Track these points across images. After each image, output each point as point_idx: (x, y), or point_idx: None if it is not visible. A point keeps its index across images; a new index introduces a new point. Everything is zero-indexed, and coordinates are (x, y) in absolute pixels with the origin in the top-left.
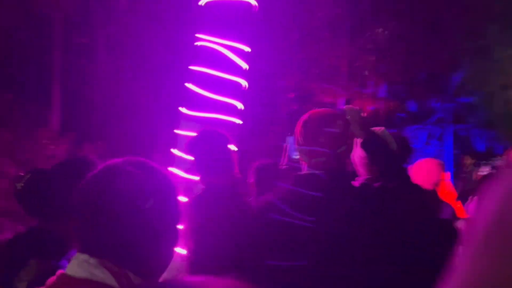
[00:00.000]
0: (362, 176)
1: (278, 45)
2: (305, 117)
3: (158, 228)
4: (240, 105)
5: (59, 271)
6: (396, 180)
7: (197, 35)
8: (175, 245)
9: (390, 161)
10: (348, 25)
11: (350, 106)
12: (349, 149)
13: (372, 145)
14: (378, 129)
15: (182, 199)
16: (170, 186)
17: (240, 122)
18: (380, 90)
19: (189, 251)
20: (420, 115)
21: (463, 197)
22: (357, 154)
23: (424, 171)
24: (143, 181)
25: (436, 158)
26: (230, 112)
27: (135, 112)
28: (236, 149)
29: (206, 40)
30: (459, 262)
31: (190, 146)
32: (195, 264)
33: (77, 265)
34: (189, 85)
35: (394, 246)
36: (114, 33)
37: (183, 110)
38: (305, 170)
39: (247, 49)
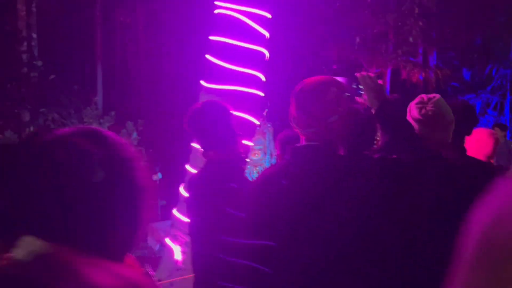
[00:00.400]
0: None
1: (319, 14)
2: (298, 86)
3: (114, 204)
4: (262, 77)
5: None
6: (408, 151)
7: (216, 2)
8: (139, 223)
9: (400, 131)
10: None
11: (363, 72)
12: (343, 119)
13: (383, 114)
14: (433, 96)
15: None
16: (127, 157)
17: (262, 94)
18: (430, 58)
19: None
20: (474, 84)
21: None
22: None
23: (474, 142)
24: (90, 152)
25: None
26: (252, 84)
27: (174, 89)
28: (257, 122)
29: (225, 8)
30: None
31: (188, 118)
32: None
33: (22, 248)
34: (208, 57)
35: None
36: (153, 10)
37: (203, 83)
38: (302, 142)
39: (268, 15)
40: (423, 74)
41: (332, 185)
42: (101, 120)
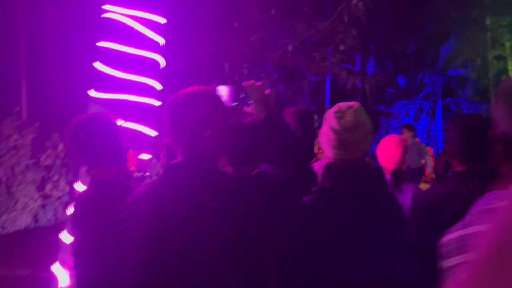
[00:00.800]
0: (327, 158)
1: (253, 22)
2: (171, 97)
3: None
4: (157, 85)
5: None
6: (289, 165)
7: (104, 6)
8: None
9: (285, 144)
10: None
11: (251, 82)
12: (222, 133)
13: (268, 125)
14: (352, 104)
15: None
16: None
17: (159, 103)
18: (368, 65)
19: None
20: (410, 90)
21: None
22: (322, 133)
23: (383, 150)
24: None
25: (426, 133)
26: (146, 92)
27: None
28: (154, 133)
29: (114, 12)
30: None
31: (68, 133)
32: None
33: None
34: (97, 64)
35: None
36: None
37: (92, 92)
38: (179, 158)
39: (162, 21)
40: (360, 81)
41: (204, 207)
42: (23, 132)
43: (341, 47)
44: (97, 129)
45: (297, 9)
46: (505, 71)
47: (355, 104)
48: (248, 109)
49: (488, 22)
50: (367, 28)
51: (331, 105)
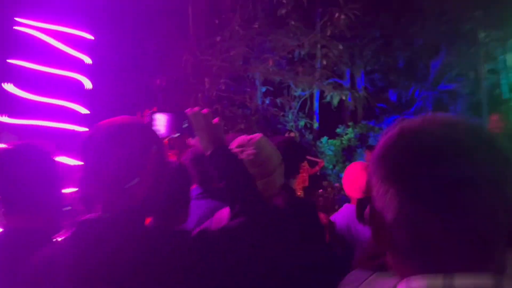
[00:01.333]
0: None
1: (237, 35)
2: (88, 132)
3: None
4: (82, 109)
5: None
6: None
7: (18, 18)
8: None
9: (234, 181)
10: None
11: (196, 109)
12: (150, 181)
13: (215, 160)
14: (253, 136)
15: None
16: None
17: (84, 129)
18: (358, 80)
19: None
20: (401, 105)
21: None
22: None
23: (347, 178)
24: None
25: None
26: (68, 118)
27: None
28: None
29: (30, 26)
30: None
31: None
32: None
33: None
34: (8, 87)
35: None
36: None
37: (3, 119)
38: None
39: (89, 37)
40: (350, 96)
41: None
42: None
43: (324, 62)
44: (22, 164)
45: (282, 22)
46: (498, 85)
47: (256, 136)
48: (192, 141)
49: (480, 35)
50: (354, 42)
51: (321, 121)
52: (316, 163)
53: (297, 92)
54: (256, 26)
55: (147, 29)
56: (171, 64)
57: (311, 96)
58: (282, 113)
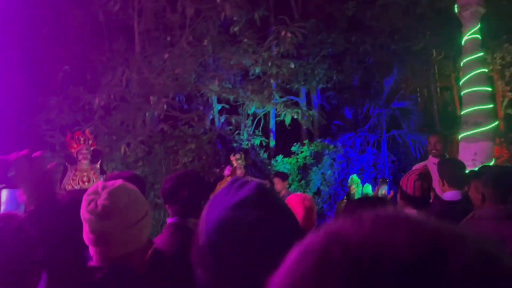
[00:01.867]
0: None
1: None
2: None
3: None
4: None
5: None
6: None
7: None
8: None
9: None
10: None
11: (22, 153)
12: None
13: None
14: (112, 184)
15: None
16: None
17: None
18: (313, 97)
19: None
20: (356, 122)
21: None
22: None
23: None
24: None
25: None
26: None
27: None
28: None
29: None
30: None
31: None
32: None
33: None
34: None
35: None
36: None
37: None
38: None
39: None
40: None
41: None
42: None
43: (275, 80)
44: None
45: (235, 40)
46: (452, 102)
47: (116, 182)
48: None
49: (432, 54)
50: (307, 60)
51: (277, 139)
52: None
53: (251, 110)
54: (205, 43)
55: (90, 44)
56: (114, 82)
57: (267, 114)
58: (237, 132)
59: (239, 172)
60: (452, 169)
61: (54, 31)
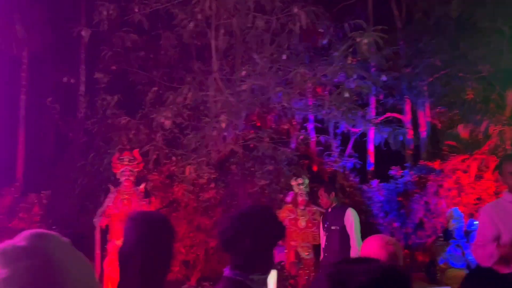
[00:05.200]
0: None
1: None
2: None
3: None
4: None
5: None
6: None
7: None
8: None
9: None
10: None
11: None
12: None
13: None
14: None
15: None
16: None
17: None
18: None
19: None
20: (473, 142)
21: None
22: None
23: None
24: None
25: None
26: None
27: None
28: None
29: None
30: None
31: None
32: None
33: None
34: None
35: None
36: None
37: None
38: None
39: None
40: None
41: None
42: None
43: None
44: None
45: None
46: None
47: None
48: None
49: None
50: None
51: (376, 162)
52: None
53: (341, 129)
54: (284, 57)
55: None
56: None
57: (363, 133)
58: (327, 152)
59: (300, 199)
60: None
61: (149, 54)
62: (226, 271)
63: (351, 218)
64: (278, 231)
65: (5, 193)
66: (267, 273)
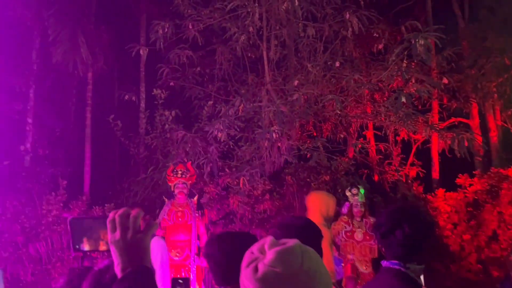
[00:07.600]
0: None
1: None
2: None
3: None
4: None
5: None
6: None
7: None
8: None
9: None
10: None
11: (121, 211)
12: None
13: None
14: None
15: None
16: None
17: None
18: (491, 118)
19: None
20: None
21: None
22: None
23: None
24: None
25: None
26: None
27: None
28: None
29: None
30: None
31: None
32: None
33: None
34: None
35: None
36: None
37: None
38: None
39: None
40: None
41: None
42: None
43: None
44: None
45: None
46: None
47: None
48: None
49: None
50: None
51: (442, 171)
52: None
53: (401, 136)
54: (338, 64)
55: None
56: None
57: (426, 140)
58: (387, 161)
59: (355, 210)
60: None
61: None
62: (384, 263)
63: None
64: (430, 223)
65: (73, 206)
66: (423, 263)
